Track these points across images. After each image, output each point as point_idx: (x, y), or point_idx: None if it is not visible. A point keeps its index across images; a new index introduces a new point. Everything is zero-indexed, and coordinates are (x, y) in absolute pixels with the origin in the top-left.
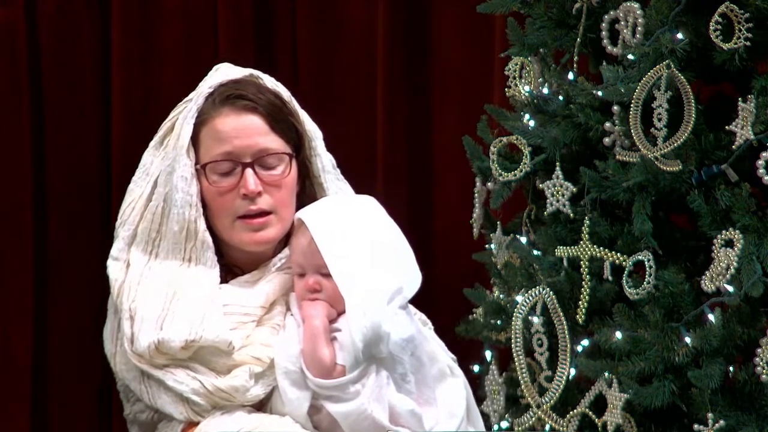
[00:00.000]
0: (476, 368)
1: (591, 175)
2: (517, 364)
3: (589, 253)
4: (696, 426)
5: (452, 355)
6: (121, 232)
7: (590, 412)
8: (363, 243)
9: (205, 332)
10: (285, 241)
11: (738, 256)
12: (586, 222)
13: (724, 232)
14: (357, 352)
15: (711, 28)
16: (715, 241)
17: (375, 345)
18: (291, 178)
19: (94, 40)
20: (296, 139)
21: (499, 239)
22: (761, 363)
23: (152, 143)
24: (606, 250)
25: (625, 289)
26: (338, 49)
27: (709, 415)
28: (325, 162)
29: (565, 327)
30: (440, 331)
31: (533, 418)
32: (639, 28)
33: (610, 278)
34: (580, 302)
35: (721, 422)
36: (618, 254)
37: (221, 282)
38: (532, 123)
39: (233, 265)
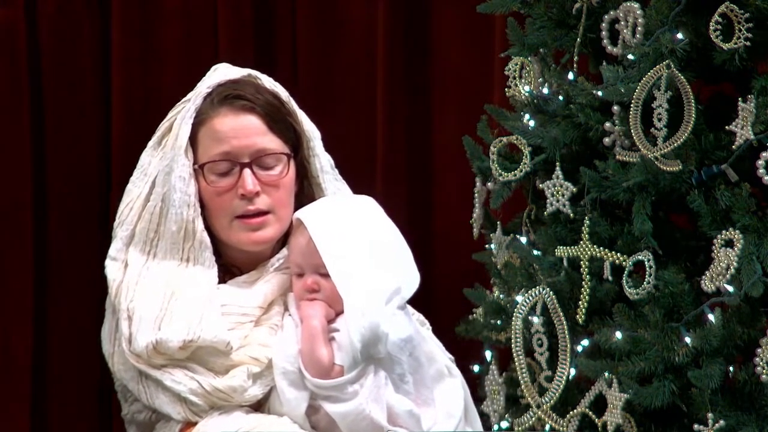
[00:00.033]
0: (476, 368)
1: (591, 175)
2: (517, 364)
3: (589, 253)
4: (696, 426)
5: (450, 356)
6: (119, 232)
7: (590, 412)
8: (361, 243)
9: (203, 332)
10: (283, 241)
11: (738, 256)
12: (586, 222)
13: (724, 232)
14: (355, 352)
15: (711, 28)
16: (715, 241)
17: (373, 345)
18: (289, 178)
19: (94, 40)
20: (294, 140)
21: (499, 239)
22: (761, 363)
23: (150, 143)
24: (606, 250)
25: (625, 289)
26: (338, 49)
27: (709, 415)
28: (323, 162)
29: (565, 327)
30: (440, 331)
31: (533, 418)
32: (639, 28)
33: (610, 278)
34: (580, 302)
35: (721, 422)
36: (618, 254)
37: (219, 282)
38: (532, 123)
39: (231, 266)
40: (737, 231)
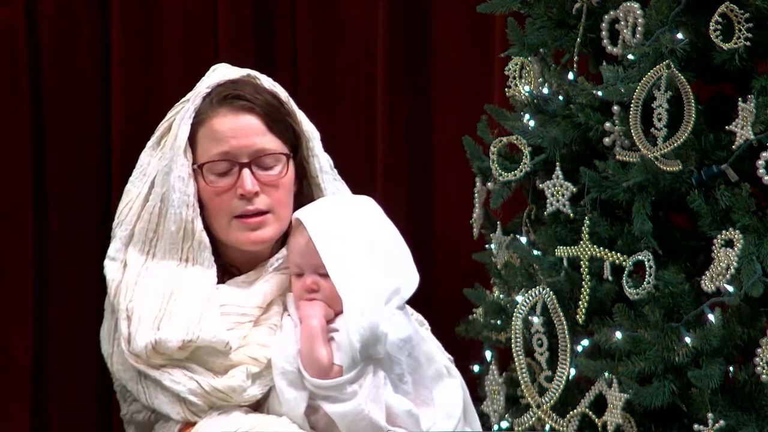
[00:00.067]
0: (476, 368)
1: (591, 175)
2: (517, 364)
3: (589, 253)
4: (696, 426)
5: (449, 356)
6: (118, 233)
7: (590, 412)
8: (361, 243)
9: (202, 332)
10: (282, 241)
11: (738, 256)
12: (586, 222)
13: (724, 232)
14: (354, 352)
15: (711, 28)
16: (715, 241)
17: (372, 345)
18: (288, 178)
19: (94, 40)
20: (294, 140)
21: (499, 239)
22: (761, 363)
23: (149, 143)
24: (606, 250)
25: (625, 289)
26: (338, 49)
27: (709, 415)
28: (322, 162)
29: (565, 327)
30: (440, 331)
31: (533, 418)
32: (639, 28)
33: (610, 278)
34: (580, 302)
35: (721, 422)
36: (618, 254)
37: (218, 282)
38: (532, 123)
39: (230, 266)
40: (737, 231)
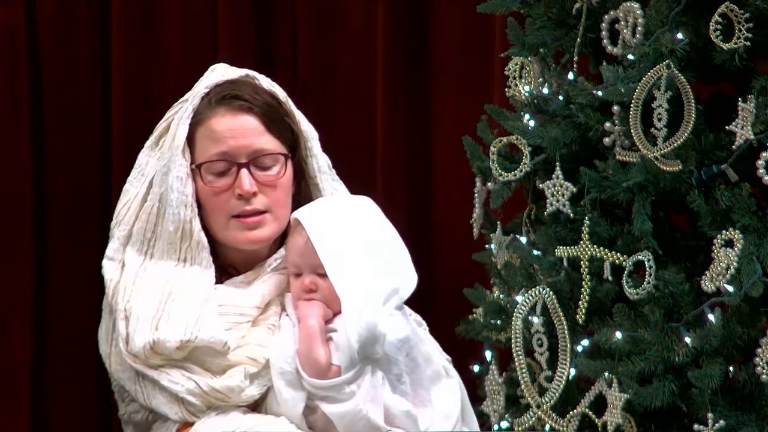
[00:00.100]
0: (476, 368)
1: (591, 175)
2: (517, 364)
3: (589, 253)
4: (696, 426)
5: (447, 356)
6: (116, 232)
7: (590, 412)
8: (359, 243)
9: (200, 332)
10: (280, 241)
11: (738, 256)
12: (586, 222)
13: (724, 232)
14: (352, 352)
15: (711, 28)
16: (715, 241)
17: (371, 345)
18: (286, 178)
19: (94, 40)
20: (292, 140)
21: (499, 239)
22: (761, 363)
23: (148, 143)
24: (606, 250)
25: (625, 289)
26: (338, 49)
27: (709, 415)
28: (321, 163)
29: (565, 327)
30: (440, 331)
31: (533, 418)
32: (639, 28)
33: (610, 278)
34: (580, 302)
35: (721, 422)
36: (618, 254)
37: (216, 282)
38: (532, 123)
39: (228, 266)
40: (737, 231)
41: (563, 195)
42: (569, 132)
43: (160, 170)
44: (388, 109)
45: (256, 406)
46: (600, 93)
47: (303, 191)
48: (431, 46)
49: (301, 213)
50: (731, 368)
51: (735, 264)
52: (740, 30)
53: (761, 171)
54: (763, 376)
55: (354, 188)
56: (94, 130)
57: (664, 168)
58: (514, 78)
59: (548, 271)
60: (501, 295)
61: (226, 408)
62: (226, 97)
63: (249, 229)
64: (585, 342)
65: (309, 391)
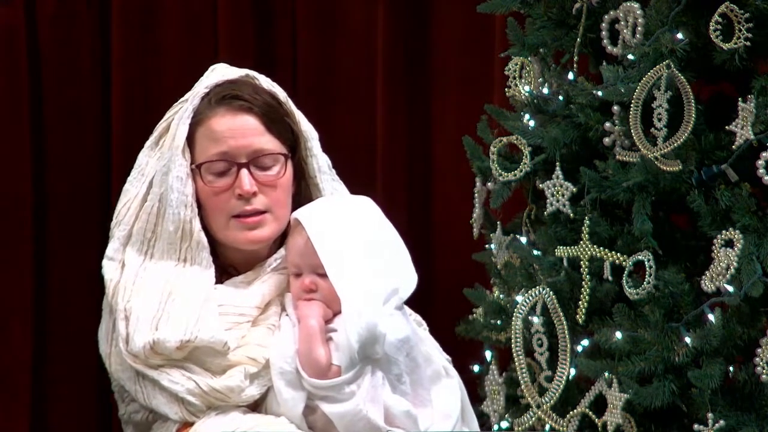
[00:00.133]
0: (476, 368)
1: (591, 175)
2: (517, 364)
3: (589, 253)
4: (696, 426)
5: (447, 356)
6: (116, 232)
7: (590, 412)
8: (359, 243)
9: (200, 332)
10: (280, 241)
11: (738, 256)
12: (586, 222)
13: (724, 232)
14: (352, 352)
15: (711, 28)
16: (715, 241)
17: (371, 345)
18: (286, 178)
19: (94, 40)
20: (292, 140)
21: (499, 239)
22: (761, 363)
23: (148, 143)
24: (606, 250)
25: (625, 289)
26: (338, 49)
27: (709, 415)
28: (320, 163)
29: (565, 327)
30: (440, 331)
31: (533, 418)
32: (639, 28)
33: (610, 278)
34: (580, 302)
35: (721, 422)
36: (618, 254)
37: (216, 283)
38: (532, 123)
39: (228, 266)
40: (737, 231)
41: (563, 195)
42: (569, 132)
43: (160, 170)
44: (388, 109)
45: (256, 406)
46: (600, 93)
47: (303, 191)
48: (431, 46)
49: (301, 213)
50: (731, 368)
51: (735, 264)
52: (740, 30)
53: (761, 171)
54: (763, 376)
55: (354, 188)
56: (94, 130)
57: (664, 168)
58: (514, 78)
59: (548, 271)
60: (501, 295)
61: (226, 408)
62: (226, 97)
63: (249, 229)
64: (585, 342)
65: (309, 391)
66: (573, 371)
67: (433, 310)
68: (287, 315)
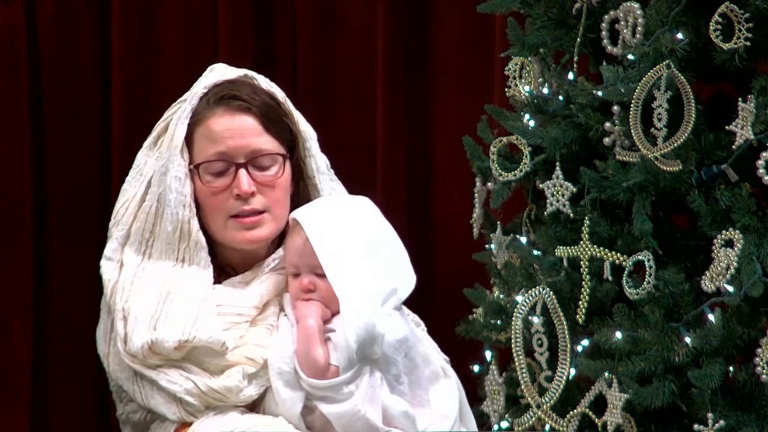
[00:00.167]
0: (476, 368)
1: (591, 175)
2: (517, 364)
3: (589, 253)
4: (696, 426)
5: (445, 356)
6: (114, 232)
7: (590, 412)
8: (358, 243)
9: (198, 333)
10: (278, 241)
11: (738, 256)
12: (586, 222)
13: (724, 232)
14: (351, 352)
15: (711, 28)
16: (715, 241)
17: (369, 346)
18: (285, 178)
19: (94, 40)
20: (290, 140)
21: (499, 239)
22: (761, 363)
23: (146, 143)
24: (606, 250)
25: (625, 289)
26: (338, 49)
27: (709, 415)
28: (319, 163)
29: (565, 327)
30: (440, 331)
31: (533, 418)
32: (639, 28)
33: (610, 278)
34: (580, 302)
35: (721, 422)
36: (618, 254)
37: (214, 283)
38: (532, 123)
39: (226, 266)
40: (737, 231)
41: (563, 195)
42: (569, 132)
43: (158, 170)
44: (388, 109)
45: (255, 407)
46: (600, 93)
47: (301, 191)
48: (431, 46)
49: (299, 213)
50: (731, 368)
51: (735, 264)
52: (740, 30)
53: (761, 171)
54: (763, 376)
55: (354, 188)
56: (94, 130)
57: (664, 168)
58: (514, 78)
59: (548, 271)
60: (501, 295)
61: (224, 408)
62: (224, 97)
63: (247, 229)
64: (585, 342)
65: (307, 391)
66: (573, 371)
67: (433, 310)
68: (285, 315)
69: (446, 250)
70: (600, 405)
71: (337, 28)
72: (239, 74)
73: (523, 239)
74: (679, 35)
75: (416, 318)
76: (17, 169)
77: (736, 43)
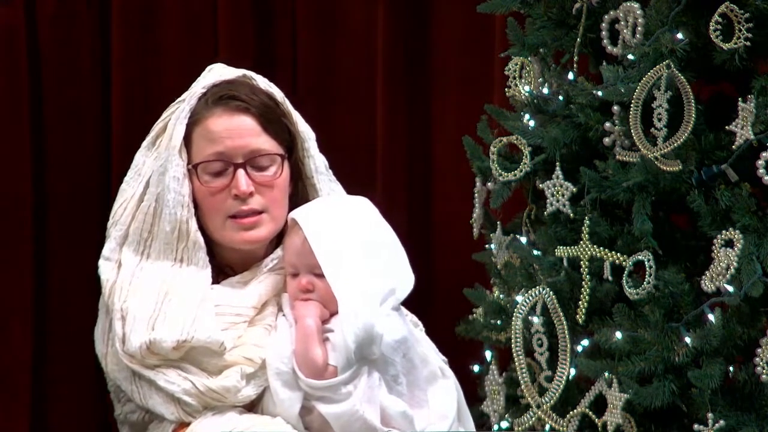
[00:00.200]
0: (476, 368)
1: (591, 175)
2: (517, 364)
3: (589, 253)
4: (696, 426)
5: (443, 357)
6: (112, 232)
7: (590, 412)
8: (356, 243)
9: (196, 333)
10: (276, 241)
11: (738, 256)
12: (586, 222)
13: (724, 232)
14: (349, 353)
15: (711, 28)
16: (715, 241)
17: (367, 346)
18: (283, 178)
19: (94, 40)
20: (289, 140)
21: (499, 239)
22: (761, 363)
23: (144, 143)
24: (606, 250)
25: (625, 289)
26: (338, 49)
27: (709, 415)
28: (318, 163)
29: (565, 327)
30: (440, 331)
31: (533, 418)
32: (639, 28)
33: (610, 278)
34: (580, 302)
35: (721, 422)
36: (618, 254)
37: (213, 283)
38: (532, 123)
39: (225, 266)
40: (737, 231)
41: (563, 195)
42: (569, 132)
43: (156, 170)
44: (388, 109)
45: (253, 407)
46: (600, 93)
47: (300, 192)
48: (431, 46)
49: (298, 213)
50: (731, 368)
51: (735, 264)
52: (740, 30)
53: (761, 171)
54: (763, 376)
55: (354, 188)
56: (94, 130)
57: (664, 168)
58: (514, 78)
59: (548, 271)
60: (501, 295)
61: (222, 408)
62: (223, 97)
63: (245, 230)
64: (585, 342)
65: (305, 391)
66: (573, 371)
67: (433, 310)
68: (284, 315)
69: (446, 250)
70: (600, 405)
71: (337, 28)
72: (238, 74)
73: (523, 239)
74: (679, 35)
75: (414, 318)
76: (17, 169)
77: (736, 43)
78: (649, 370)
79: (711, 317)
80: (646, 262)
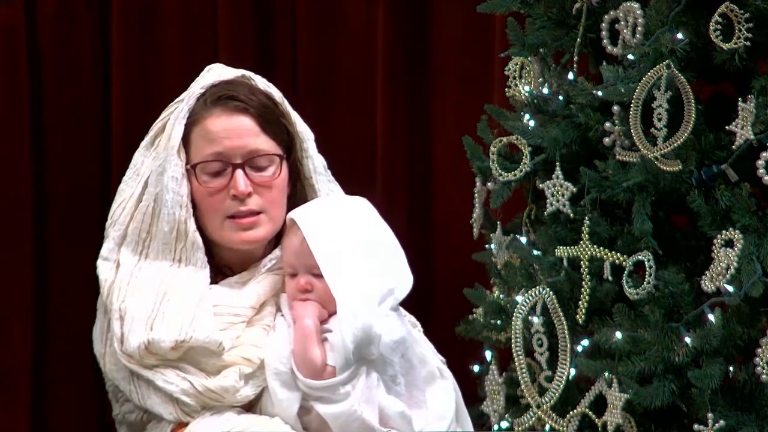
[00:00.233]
0: (476, 368)
1: (591, 175)
2: (517, 364)
3: (589, 253)
4: (696, 426)
5: (441, 357)
6: (111, 232)
7: (590, 412)
8: (355, 244)
9: (195, 333)
10: (275, 242)
11: (738, 256)
12: (586, 222)
13: (724, 232)
14: (348, 353)
15: (711, 28)
16: (715, 241)
17: (366, 346)
18: (281, 179)
19: (94, 40)
20: (288, 141)
21: (499, 239)
22: (761, 363)
23: (143, 143)
24: (606, 250)
25: (625, 289)
26: (338, 49)
27: (709, 415)
28: (316, 164)
29: (565, 327)
30: (440, 331)
31: (533, 418)
32: (639, 28)
33: (610, 278)
34: (580, 302)
35: (721, 422)
36: (618, 254)
37: (211, 283)
38: (532, 123)
39: (223, 266)
40: (737, 231)
41: (563, 195)
42: (569, 132)
43: (155, 170)
44: (388, 109)
45: (251, 407)
46: (600, 93)
47: (298, 192)
48: (431, 46)
49: (296, 213)
50: (731, 368)
51: (735, 264)
52: (740, 30)
53: (761, 171)
54: (763, 376)
55: (354, 188)
56: (94, 130)
57: (664, 168)
58: (514, 78)
59: (548, 271)
60: (501, 295)
61: (220, 408)
62: (221, 97)
63: (244, 230)
64: (585, 342)
65: (304, 391)
66: (573, 371)
67: (433, 310)
68: (282, 315)
69: (446, 250)
70: (600, 405)
71: (337, 28)
72: (236, 74)
73: (523, 239)
74: (679, 35)
75: (413, 319)
76: (17, 169)
77: (736, 43)
78: (649, 370)
79: (711, 317)
80: (646, 262)
